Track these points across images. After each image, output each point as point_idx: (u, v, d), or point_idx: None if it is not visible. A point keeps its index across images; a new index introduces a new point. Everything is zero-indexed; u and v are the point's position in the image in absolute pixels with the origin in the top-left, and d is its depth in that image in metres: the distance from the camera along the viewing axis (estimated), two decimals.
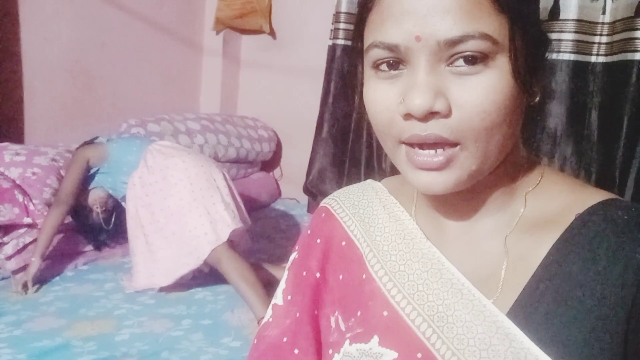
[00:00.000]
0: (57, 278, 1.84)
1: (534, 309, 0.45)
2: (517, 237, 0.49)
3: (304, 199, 2.96)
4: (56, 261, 1.88)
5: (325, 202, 0.65)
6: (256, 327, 1.55)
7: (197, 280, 1.84)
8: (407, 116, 0.44)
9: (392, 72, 0.45)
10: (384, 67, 0.46)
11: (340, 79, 2.77)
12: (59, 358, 1.36)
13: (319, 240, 0.62)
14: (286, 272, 0.65)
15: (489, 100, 0.43)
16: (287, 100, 3.11)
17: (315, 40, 2.93)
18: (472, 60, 0.42)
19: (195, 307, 1.71)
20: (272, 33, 3.11)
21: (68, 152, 2.08)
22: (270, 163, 3.23)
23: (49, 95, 2.38)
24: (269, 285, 1.69)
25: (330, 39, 2.79)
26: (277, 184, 3.20)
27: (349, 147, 2.83)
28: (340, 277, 0.58)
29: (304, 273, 0.62)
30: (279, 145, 3.24)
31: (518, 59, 0.43)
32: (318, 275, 0.60)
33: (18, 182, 1.85)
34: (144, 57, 2.80)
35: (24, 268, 1.77)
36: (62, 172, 1.97)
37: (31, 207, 1.80)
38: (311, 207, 2.90)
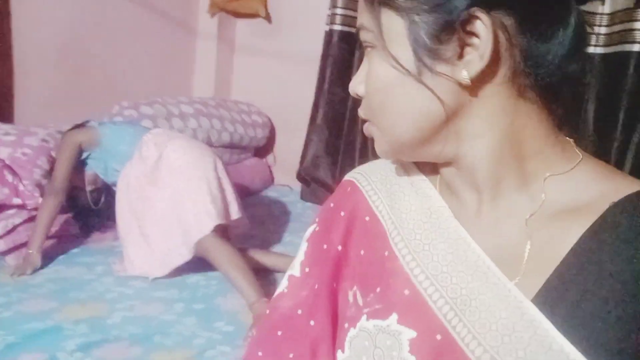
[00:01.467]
0: (47, 260, 1.81)
1: (560, 297, 0.43)
2: (541, 222, 0.47)
3: (297, 185, 2.95)
4: (46, 244, 1.84)
5: (350, 176, 0.64)
6: (248, 312, 1.54)
7: (190, 265, 1.82)
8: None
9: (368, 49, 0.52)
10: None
11: (336, 65, 2.75)
12: (50, 340, 1.34)
13: (342, 214, 0.61)
14: (304, 244, 0.64)
15: (370, 83, 0.50)
16: (282, 86, 3.07)
17: (312, 26, 2.90)
18: (366, 48, 0.50)
19: (188, 291, 1.70)
20: (267, 17, 3.07)
21: (59, 133, 2.04)
22: (264, 149, 3.21)
23: (40, 76, 2.34)
24: (256, 271, 1.70)
25: (326, 24, 2.76)
26: (270, 170, 3.18)
27: (344, 134, 2.82)
28: (362, 252, 0.58)
29: (325, 246, 0.61)
30: (272, 131, 3.21)
31: (397, 47, 0.47)
32: (340, 248, 0.59)
33: (7, 162, 1.82)
34: (137, 39, 2.76)
35: (13, 249, 1.74)
36: (53, 153, 1.93)
37: (21, 187, 1.76)
38: (304, 194, 2.88)
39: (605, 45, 2.24)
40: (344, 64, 2.75)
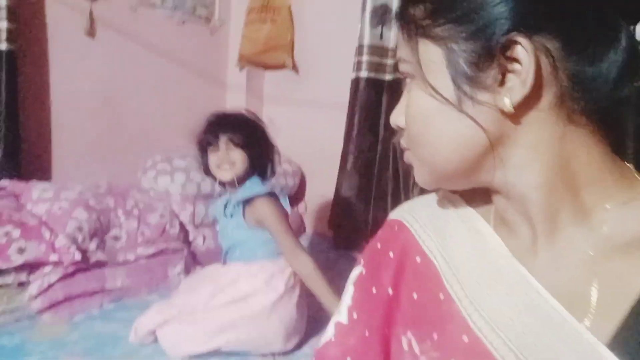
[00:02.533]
0: (82, 316, 1.80)
1: (637, 345, 0.39)
2: (605, 257, 0.43)
3: (329, 233, 2.91)
4: (82, 299, 1.84)
5: (396, 215, 0.61)
6: None
7: None
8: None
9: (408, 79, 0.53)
10: None
11: (364, 111, 2.76)
12: None
13: (391, 255, 0.58)
14: (350, 288, 0.61)
15: (409, 114, 0.50)
16: (311, 134, 3.10)
17: (338, 74, 2.93)
18: (406, 79, 0.51)
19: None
20: (294, 68, 3.13)
21: (96, 187, 2.08)
22: (295, 197, 3.20)
23: (76, 132, 2.41)
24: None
25: (353, 71, 2.79)
26: (302, 218, 3.16)
27: (375, 179, 2.80)
28: (415, 295, 0.55)
29: (374, 290, 0.58)
30: (303, 180, 3.21)
31: (436, 77, 0.46)
32: (390, 291, 0.56)
33: (44, 218, 1.84)
34: (169, 93, 2.83)
35: (50, 307, 1.74)
36: (91, 202, 1.95)
37: (57, 244, 1.78)
38: (337, 241, 2.84)
39: None
40: (371, 110, 2.76)
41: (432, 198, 0.60)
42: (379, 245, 0.60)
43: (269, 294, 1.52)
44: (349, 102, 2.80)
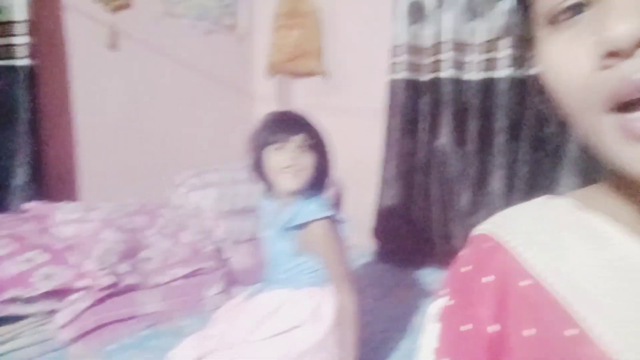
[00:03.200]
0: (114, 346, 1.65)
1: None
2: None
3: (370, 245, 2.73)
4: (113, 327, 1.69)
5: (485, 229, 0.47)
6: None
7: None
8: (610, 57, 0.32)
9: (576, 17, 0.35)
10: (563, 14, 0.36)
11: (402, 115, 2.59)
12: None
13: (487, 279, 0.43)
14: (435, 326, 0.46)
15: None
16: (347, 142, 2.91)
17: (372, 77, 2.78)
18: None
19: None
20: (324, 74, 2.99)
21: (125, 206, 1.95)
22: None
23: (101, 149, 2.30)
24: None
25: (388, 74, 2.63)
26: None
27: (416, 186, 2.61)
28: (527, 332, 0.39)
29: (470, 326, 0.43)
30: (340, 190, 3.04)
31: None
32: (494, 328, 0.41)
33: (71, 241, 1.71)
34: (196, 105, 2.72)
35: (79, 337, 1.60)
36: (120, 222, 1.83)
37: (85, 268, 1.64)
38: (381, 255, 2.65)
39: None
40: (410, 113, 2.59)
41: (529, 206, 0.47)
42: (468, 268, 0.46)
43: (316, 326, 1.33)
44: (386, 106, 2.64)
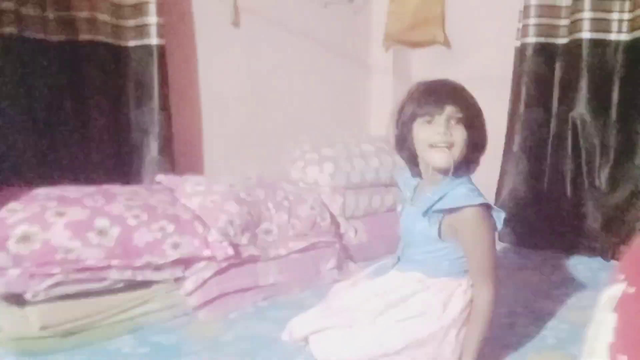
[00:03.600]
0: (237, 314, 1.72)
1: None
2: None
3: None
4: (236, 296, 1.76)
5: None
6: None
7: None
8: None
9: None
10: None
11: (532, 83, 2.38)
12: None
13: None
14: (608, 316, 0.42)
15: None
16: None
17: (498, 43, 2.59)
18: None
19: None
20: (446, 43, 2.83)
21: (246, 178, 2.01)
22: None
23: (225, 124, 2.39)
24: None
25: (517, 39, 2.42)
26: None
27: (548, 161, 2.40)
28: None
29: None
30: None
31: None
32: None
33: (197, 212, 1.79)
34: (314, 78, 2.72)
35: (205, 304, 1.68)
36: (242, 195, 1.89)
37: (210, 238, 1.71)
38: (503, 235, 2.49)
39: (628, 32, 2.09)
40: (542, 81, 2.37)
41: None
42: None
43: (442, 317, 1.24)
44: (513, 74, 2.44)
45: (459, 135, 1.19)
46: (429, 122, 1.21)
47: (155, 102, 2.07)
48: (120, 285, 1.58)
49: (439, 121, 1.19)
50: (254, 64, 2.46)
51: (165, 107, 2.08)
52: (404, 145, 1.30)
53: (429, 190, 1.28)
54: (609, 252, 2.18)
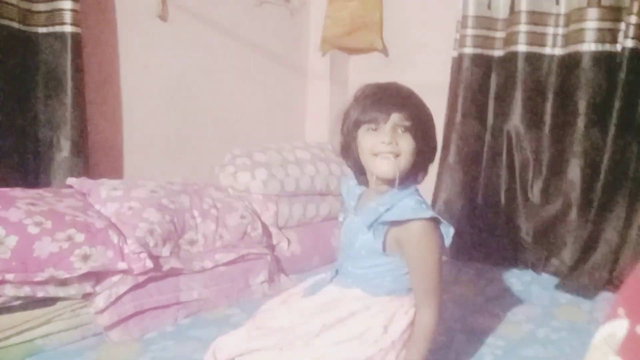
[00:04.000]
0: (154, 334, 1.55)
1: None
2: None
3: None
4: (154, 313, 1.59)
5: None
6: None
7: None
8: None
9: None
10: None
11: (469, 93, 2.36)
12: None
13: None
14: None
15: None
16: None
17: (436, 53, 2.57)
18: None
19: None
20: (383, 50, 2.78)
21: (169, 183, 1.84)
22: None
23: (148, 126, 2.20)
24: None
25: (454, 49, 2.41)
26: None
27: (483, 173, 2.39)
28: None
29: None
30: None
31: None
32: None
33: (113, 219, 1.61)
34: (246, 81, 2.58)
35: (118, 323, 1.50)
36: (164, 201, 1.73)
37: (126, 249, 1.53)
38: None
39: (562, 46, 2.13)
40: (478, 92, 2.36)
41: None
42: None
43: (383, 337, 1.16)
44: (450, 84, 2.42)
45: (406, 144, 1.13)
46: (375, 129, 1.14)
47: (68, 96, 1.85)
48: (18, 302, 1.38)
49: (385, 130, 1.12)
50: (182, 62, 2.30)
51: (79, 102, 1.87)
52: (349, 152, 1.22)
53: (374, 200, 1.20)
54: (540, 265, 2.19)
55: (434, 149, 1.22)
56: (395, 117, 1.12)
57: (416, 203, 1.14)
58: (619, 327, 0.34)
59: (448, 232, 1.15)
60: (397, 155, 1.12)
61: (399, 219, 1.12)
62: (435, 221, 1.14)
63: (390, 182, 1.16)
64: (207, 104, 2.41)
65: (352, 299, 1.21)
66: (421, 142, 1.15)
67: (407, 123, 1.12)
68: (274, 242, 2.06)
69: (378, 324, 1.16)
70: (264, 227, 2.02)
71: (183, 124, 2.32)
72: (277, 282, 1.95)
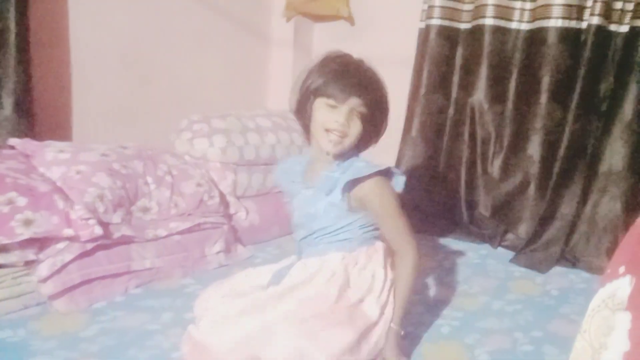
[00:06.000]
0: (103, 304, 1.48)
1: None
2: None
3: None
4: (103, 282, 1.51)
5: None
6: None
7: None
8: None
9: None
10: None
11: (434, 66, 2.34)
12: None
13: None
14: (622, 316, 0.36)
15: None
16: None
17: (402, 24, 2.52)
18: None
19: None
20: (349, 18, 2.71)
21: (122, 148, 1.74)
22: None
23: (100, 87, 2.08)
24: None
25: (421, 20, 2.37)
26: None
27: (444, 147, 2.38)
28: None
29: None
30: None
31: None
32: None
33: (59, 183, 1.51)
34: (206, 46, 2.48)
35: (63, 292, 1.42)
36: (115, 166, 1.64)
37: (73, 215, 1.45)
38: None
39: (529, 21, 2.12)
40: (443, 65, 2.33)
41: None
42: None
43: (361, 284, 1.23)
44: (416, 56, 2.39)
45: (356, 128, 1.19)
46: (332, 107, 1.19)
47: (12, 52, 1.72)
48: None
49: (341, 110, 1.17)
50: (137, 22, 2.17)
51: (23, 58, 1.73)
52: (302, 113, 1.27)
53: (324, 169, 1.26)
54: (497, 239, 2.21)
55: (378, 136, 1.29)
56: (354, 101, 1.16)
57: (366, 163, 1.21)
58: (621, 285, 0.32)
59: (399, 180, 1.24)
60: (345, 136, 1.18)
61: (358, 176, 1.17)
62: (387, 173, 1.22)
63: (334, 156, 1.23)
64: (164, 66, 2.30)
65: (333, 262, 1.24)
66: (370, 128, 1.22)
67: (364, 110, 1.18)
68: (232, 211, 2.00)
69: (368, 273, 1.23)
70: (222, 195, 1.95)
71: (137, 87, 2.21)
72: (234, 252, 1.90)
